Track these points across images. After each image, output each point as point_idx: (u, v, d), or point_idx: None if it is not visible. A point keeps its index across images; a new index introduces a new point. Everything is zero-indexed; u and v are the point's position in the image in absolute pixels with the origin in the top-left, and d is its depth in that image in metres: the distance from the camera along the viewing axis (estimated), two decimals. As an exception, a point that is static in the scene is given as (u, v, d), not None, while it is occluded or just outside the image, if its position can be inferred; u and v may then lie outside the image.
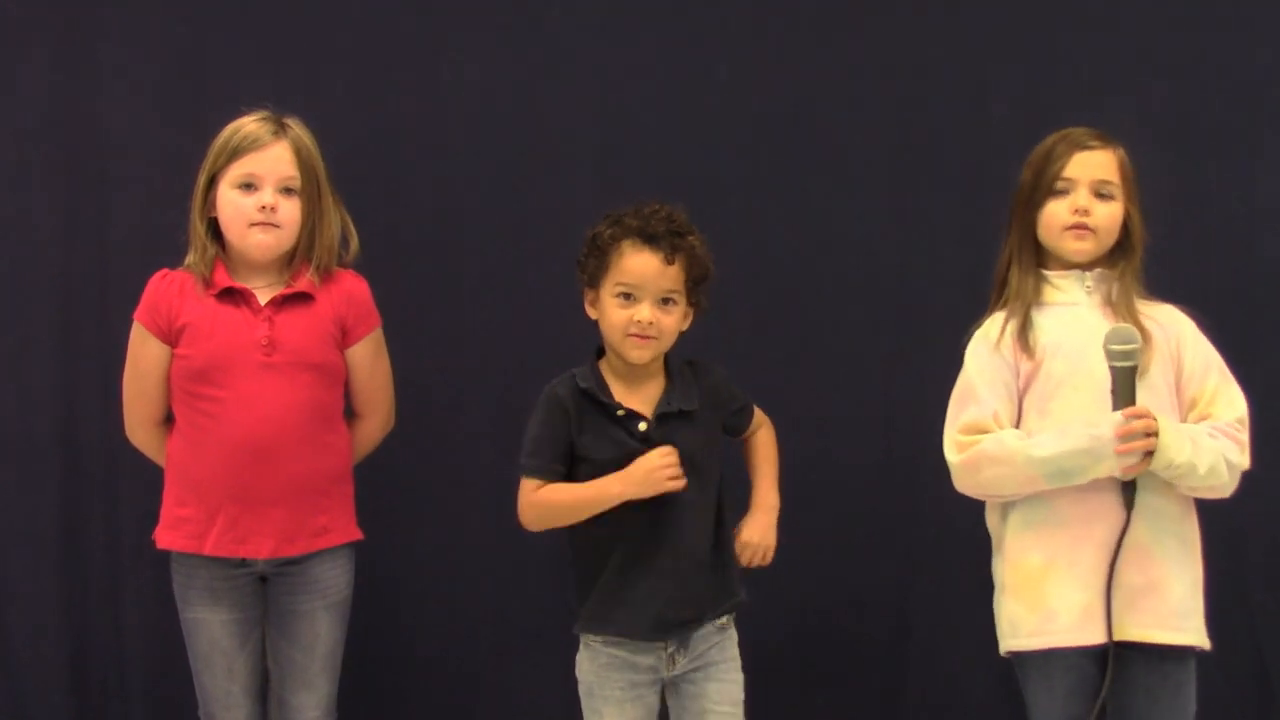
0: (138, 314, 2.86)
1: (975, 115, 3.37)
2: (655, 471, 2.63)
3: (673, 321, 2.69)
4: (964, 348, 2.73)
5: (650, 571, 2.66)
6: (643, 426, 2.68)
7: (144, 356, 2.86)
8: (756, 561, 2.76)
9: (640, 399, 2.71)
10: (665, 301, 2.68)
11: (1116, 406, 2.55)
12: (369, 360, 2.92)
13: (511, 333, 3.37)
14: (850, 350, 3.37)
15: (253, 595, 2.86)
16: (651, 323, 2.66)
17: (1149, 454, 2.53)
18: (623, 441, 2.67)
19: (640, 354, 2.68)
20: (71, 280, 3.36)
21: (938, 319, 3.30)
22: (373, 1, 3.40)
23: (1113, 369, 2.56)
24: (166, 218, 3.30)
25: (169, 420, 2.89)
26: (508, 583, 3.37)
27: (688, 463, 2.66)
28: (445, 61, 3.39)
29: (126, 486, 3.32)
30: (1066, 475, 2.56)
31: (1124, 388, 2.55)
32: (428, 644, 3.37)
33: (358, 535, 2.92)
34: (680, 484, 2.63)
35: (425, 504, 3.35)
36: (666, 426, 2.69)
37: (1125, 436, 2.52)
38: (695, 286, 2.72)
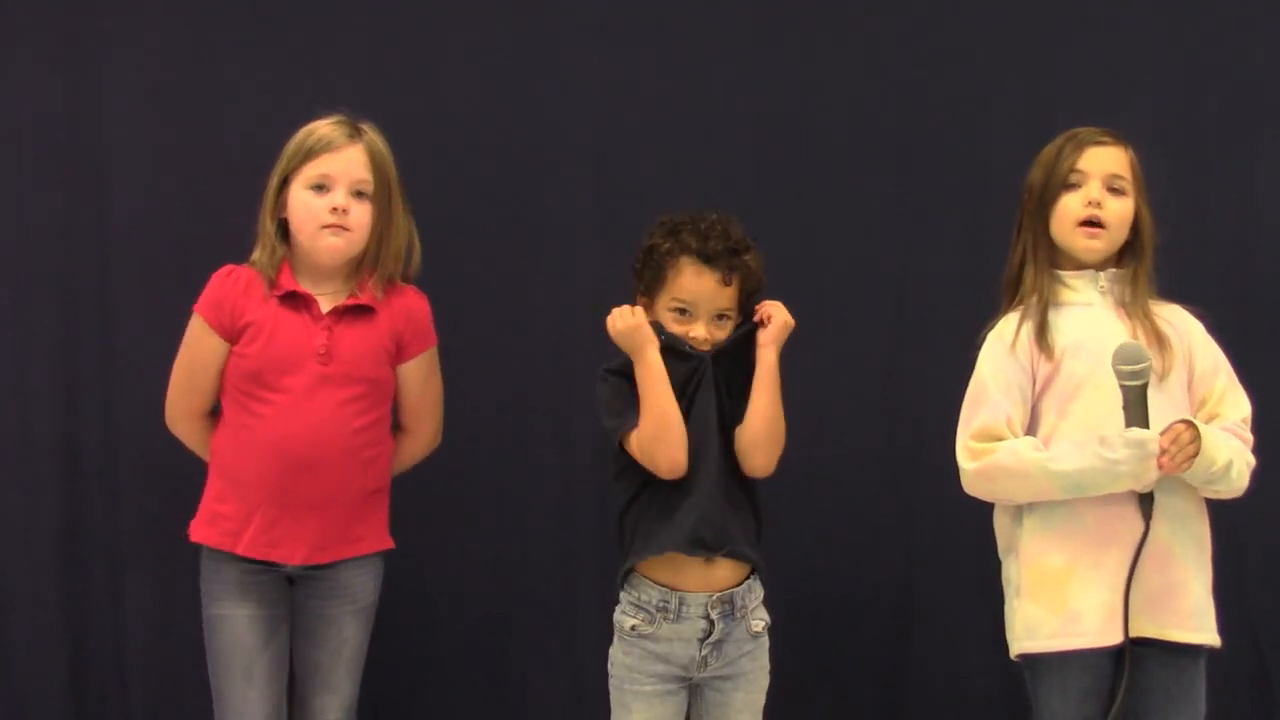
0: (199, 307, 2.85)
1: (975, 115, 3.37)
2: (634, 320, 2.70)
3: (725, 335, 2.75)
4: (977, 348, 2.73)
5: (685, 494, 2.67)
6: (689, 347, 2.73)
7: (201, 350, 2.85)
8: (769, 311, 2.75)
9: None
10: (719, 318, 2.74)
11: (1130, 423, 2.55)
12: (421, 378, 2.92)
13: (512, 333, 3.36)
14: (850, 349, 3.37)
15: (279, 594, 2.85)
16: (706, 339, 2.72)
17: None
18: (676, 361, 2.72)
19: None
20: (71, 280, 3.36)
21: (937, 318, 3.32)
22: (373, 2, 3.40)
23: (1124, 388, 2.56)
24: (167, 218, 3.33)
25: (212, 413, 2.89)
26: (520, 587, 3.37)
27: (721, 409, 2.72)
28: (446, 62, 3.39)
29: (126, 486, 3.32)
30: (1082, 489, 2.57)
31: (1136, 405, 2.55)
32: (440, 648, 3.36)
33: (389, 544, 2.92)
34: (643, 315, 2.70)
35: (439, 509, 3.33)
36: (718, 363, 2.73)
37: (1171, 450, 2.52)
38: (748, 300, 2.78)
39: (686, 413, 2.69)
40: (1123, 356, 2.56)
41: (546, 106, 3.38)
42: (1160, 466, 2.53)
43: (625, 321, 2.71)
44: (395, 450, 2.94)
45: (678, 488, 2.69)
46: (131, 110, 3.35)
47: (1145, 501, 2.57)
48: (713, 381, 2.72)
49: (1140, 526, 2.56)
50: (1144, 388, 2.55)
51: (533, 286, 3.37)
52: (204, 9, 3.37)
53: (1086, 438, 2.57)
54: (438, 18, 3.38)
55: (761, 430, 2.73)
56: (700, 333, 2.71)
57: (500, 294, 3.36)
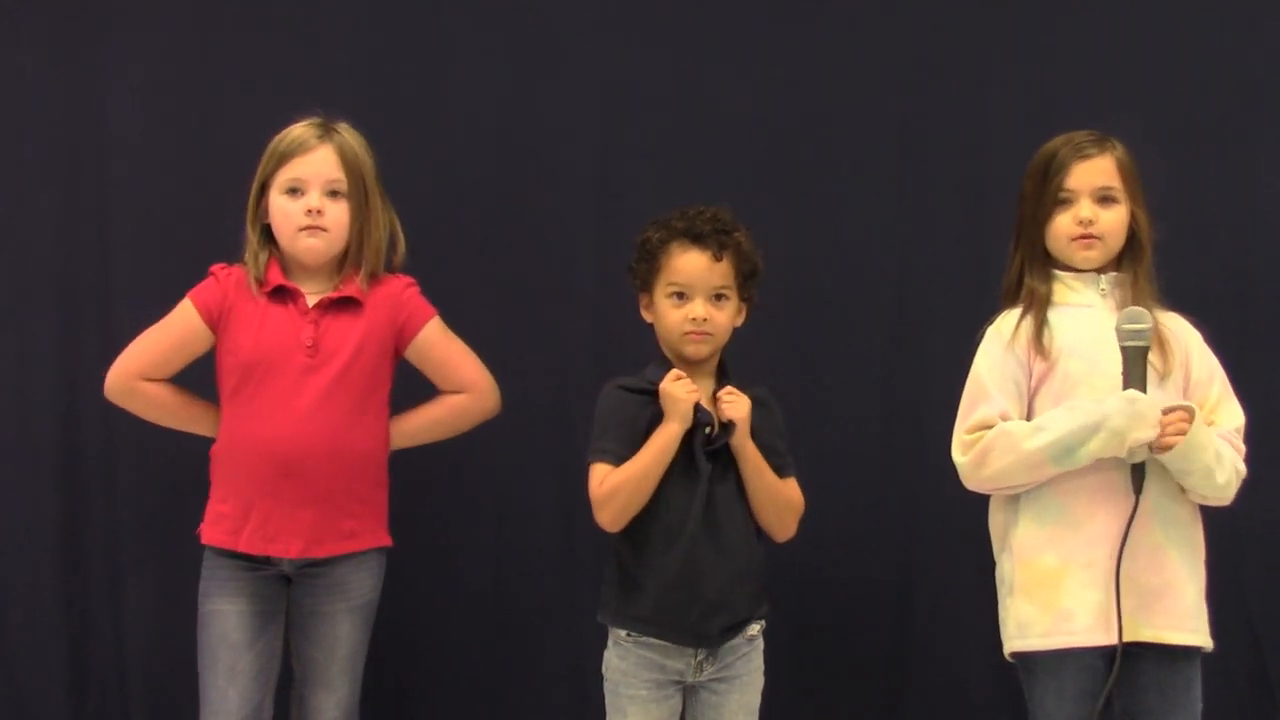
0: (191, 293, 2.88)
1: (975, 115, 3.37)
2: (684, 394, 2.67)
3: (725, 317, 2.76)
4: (976, 343, 2.73)
5: (692, 577, 2.68)
6: (708, 430, 2.71)
7: (178, 327, 2.87)
8: (726, 405, 2.72)
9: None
10: (717, 298, 2.74)
11: (1127, 386, 2.56)
12: (435, 347, 2.92)
13: (512, 333, 3.35)
14: (850, 349, 3.37)
15: (273, 591, 2.85)
16: (705, 319, 2.72)
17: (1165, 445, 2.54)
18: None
19: (698, 349, 2.74)
20: (71, 280, 3.36)
21: (938, 318, 3.32)
22: (374, 2, 3.40)
23: (1124, 349, 2.57)
24: (166, 218, 3.33)
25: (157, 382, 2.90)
26: (520, 587, 3.36)
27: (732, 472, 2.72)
28: (446, 62, 3.39)
29: (126, 486, 3.32)
30: (1070, 453, 2.56)
31: (1135, 368, 2.57)
32: (440, 648, 3.36)
33: (386, 541, 2.91)
34: (697, 392, 2.68)
35: (439, 508, 3.33)
36: (725, 430, 2.72)
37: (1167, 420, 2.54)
38: (746, 281, 2.78)
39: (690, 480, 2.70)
40: (1125, 317, 2.58)
41: (546, 106, 3.38)
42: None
43: (675, 392, 2.68)
44: (460, 411, 2.95)
45: (685, 566, 2.68)
46: (131, 110, 3.35)
47: (1137, 473, 2.57)
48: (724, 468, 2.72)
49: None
50: (1144, 350, 2.57)
51: (533, 286, 3.36)
52: (205, 9, 3.37)
53: (1079, 400, 2.59)
54: (438, 17, 3.38)
55: (768, 513, 2.76)
56: (699, 311, 2.71)
57: (500, 294, 3.36)
